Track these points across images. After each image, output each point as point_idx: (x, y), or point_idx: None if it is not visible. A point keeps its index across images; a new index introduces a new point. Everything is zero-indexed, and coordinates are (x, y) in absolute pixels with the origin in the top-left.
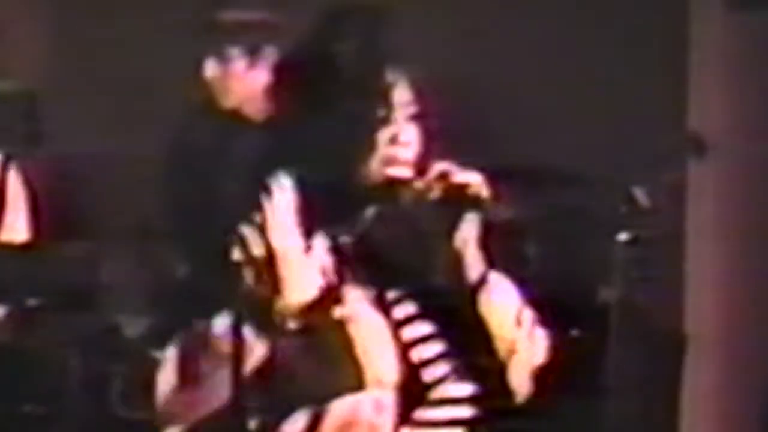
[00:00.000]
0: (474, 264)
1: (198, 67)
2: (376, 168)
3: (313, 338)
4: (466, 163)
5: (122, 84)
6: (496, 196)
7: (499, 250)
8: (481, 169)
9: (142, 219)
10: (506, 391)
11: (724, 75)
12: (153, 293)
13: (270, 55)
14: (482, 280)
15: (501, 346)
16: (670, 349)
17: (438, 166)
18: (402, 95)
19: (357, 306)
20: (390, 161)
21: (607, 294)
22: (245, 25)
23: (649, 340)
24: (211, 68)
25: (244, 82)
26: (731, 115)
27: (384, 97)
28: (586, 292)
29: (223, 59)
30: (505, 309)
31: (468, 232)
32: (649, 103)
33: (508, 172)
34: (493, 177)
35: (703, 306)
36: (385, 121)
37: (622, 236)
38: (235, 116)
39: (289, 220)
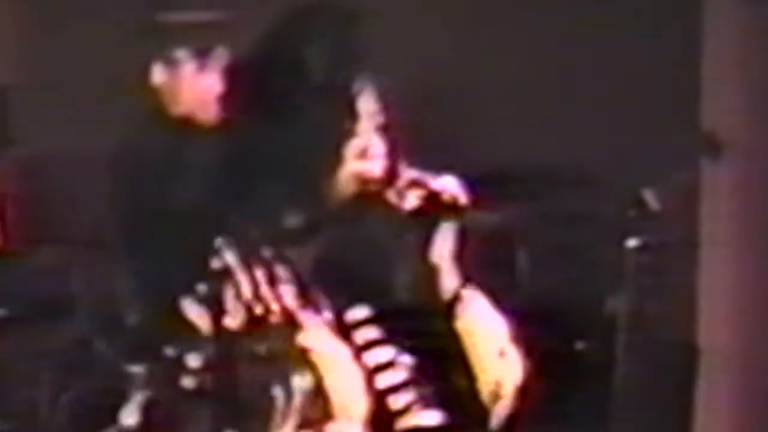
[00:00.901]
0: (449, 279)
1: (146, 71)
2: (344, 183)
3: (274, 365)
4: (456, 167)
5: (84, 86)
6: (475, 202)
7: (488, 258)
8: (469, 174)
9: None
10: (483, 417)
11: (739, 70)
12: (129, 304)
13: (221, 57)
14: (457, 297)
15: (478, 369)
16: (682, 363)
17: (409, 174)
18: (369, 104)
19: (317, 332)
20: (360, 177)
21: (615, 304)
22: (192, 26)
23: (659, 353)
24: (158, 73)
25: (194, 87)
26: (748, 112)
27: (350, 106)
28: (592, 301)
29: (171, 63)
30: (481, 328)
31: (443, 243)
32: (659, 99)
33: (507, 175)
34: (479, 182)
35: (718, 317)
36: (351, 132)
37: (631, 242)
38: (187, 123)
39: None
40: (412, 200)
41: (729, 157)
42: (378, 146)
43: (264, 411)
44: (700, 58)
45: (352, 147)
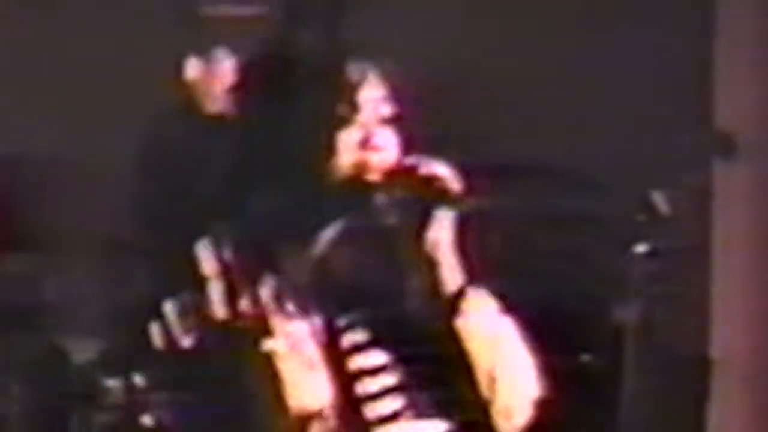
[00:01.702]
0: (451, 273)
1: (177, 65)
2: (344, 175)
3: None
4: (458, 164)
5: (85, 81)
6: (470, 190)
7: (487, 257)
8: (471, 175)
9: (95, 230)
10: (490, 428)
11: (753, 68)
12: (105, 313)
13: (258, 53)
14: (460, 294)
15: (483, 375)
16: (694, 376)
17: (407, 161)
18: (371, 92)
19: (291, 337)
20: (362, 167)
21: (622, 313)
22: (233, 21)
23: (670, 366)
24: (193, 68)
25: (230, 84)
26: (762, 111)
27: (347, 93)
28: (598, 311)
29: (208, 59)
30: (485, 330)
31: (439, 233)
32: (670, 98)
33: (510, 176)
34: (479, 173)
35: (732, 327)
36: (348, 121)
37: (640, 248)
38: (219, 121)
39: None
40: (401, 189)
41: (743, 158)
42: (384, 137)
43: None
44: (712, 55)
45: (352, 136)
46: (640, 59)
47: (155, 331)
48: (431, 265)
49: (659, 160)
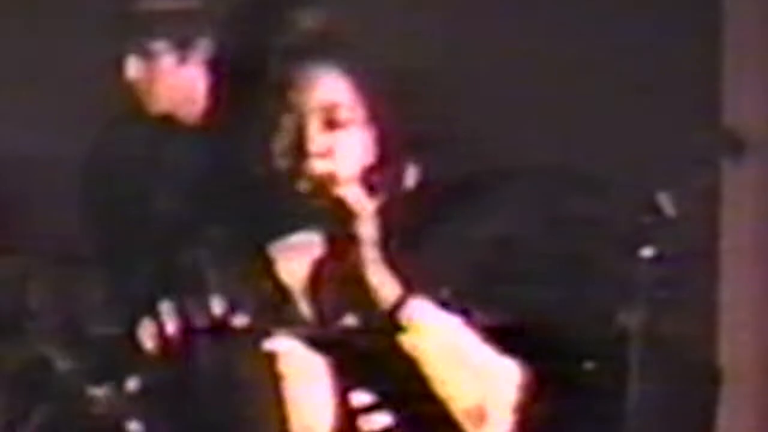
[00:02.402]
0: (385, 287)
1: (118, 65)
2: (302, 186)
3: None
4: (457, 167)
5: (44, 80)
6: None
7: (484, 268)
8: (472, 174)
9: (78, 234)
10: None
11: (763, 66)
12: (92, 319)
13: (204, 48)
14: (399, 305)
15: (441, 388)
16: (702, 385)
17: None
18: (319, 95)
19: (289, 342)
20: (323, 177)
21: (627, 319)
22: (170, 14)
23: (676, 374)
24: (133, 67)
25: (174, 81)
26: None
27: (285, 96)
28: (602, 316)
29: (148, 56)
30: (436, 340)
31: (364, 250)
32: (676, 95)
33: (509, 176)
34: (480, 183)
35: (741, 334)
36: (294, 127)
37: (645, 251)
38: (165, 121)
39: None
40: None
41: (753, 159)
42: (347, 143)
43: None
44: (720, 52)
45: (307, 142)
46: (646, 58)
47: (146, 331)
48: (361, 283)
49: (665, 160)
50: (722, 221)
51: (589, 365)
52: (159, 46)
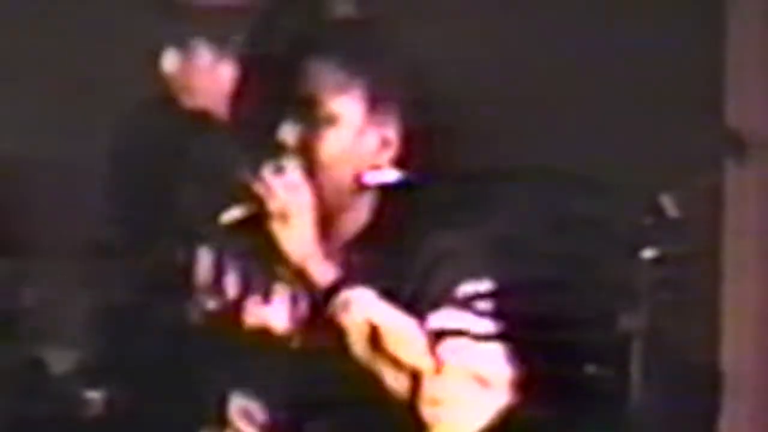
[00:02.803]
0: (319, 272)
1: (153, 58)
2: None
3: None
4: (456, 167)
5: (57, 78)
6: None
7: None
8: (468, 174)
9: (73, 234)
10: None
11: (765, 67)
12: (84, 322)
13: (237, 46)
14: (333, 290)
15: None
16: (704, 388)
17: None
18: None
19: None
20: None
21: (630, 322)
22: (214, 11)
23: (679, 377)
24: (171, 61)
25: (211, 78)
26: None
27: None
28: (604, 319)
29: (186, 51)
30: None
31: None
32: (678, 95)
33: (510, 176)
34: (478, 182)
35: (744, 337)
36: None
37: (647, 253)
38: (198, 116)
39: None
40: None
41: (756, 159)
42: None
43: None
44: (723, 51)
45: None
46: (648, 59)
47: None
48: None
49: (667, 161)
50: (725, 223)
51: (591, 369)
52: (197, 41)
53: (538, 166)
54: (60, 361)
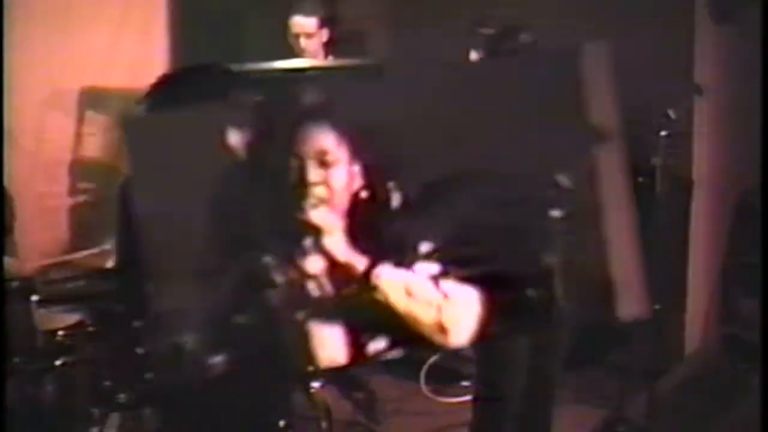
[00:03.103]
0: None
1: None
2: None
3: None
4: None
5: None
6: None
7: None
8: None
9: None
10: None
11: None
12: (202, 316)
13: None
14: (368, 273)
15: (408, 316)
16: (600, 296)
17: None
18: (318, 143)
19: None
20: (321, 199)
21: (550, 259)
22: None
23: (584, 290)
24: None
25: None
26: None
27: (298, 146)
28: (534, 258)
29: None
30: (395, 287)
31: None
32: (556, 104)
33: (459, 179)
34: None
35: (622, 253)
36: (301, 167)
37: (555, 213)
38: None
39: None
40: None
41: (613, 143)
42: (336, 176)
43: None
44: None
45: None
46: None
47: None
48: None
49: (560, 150)
50: (600, 190)
51: (530, 292)
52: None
53: (477, 171)
54: (190, 343)
